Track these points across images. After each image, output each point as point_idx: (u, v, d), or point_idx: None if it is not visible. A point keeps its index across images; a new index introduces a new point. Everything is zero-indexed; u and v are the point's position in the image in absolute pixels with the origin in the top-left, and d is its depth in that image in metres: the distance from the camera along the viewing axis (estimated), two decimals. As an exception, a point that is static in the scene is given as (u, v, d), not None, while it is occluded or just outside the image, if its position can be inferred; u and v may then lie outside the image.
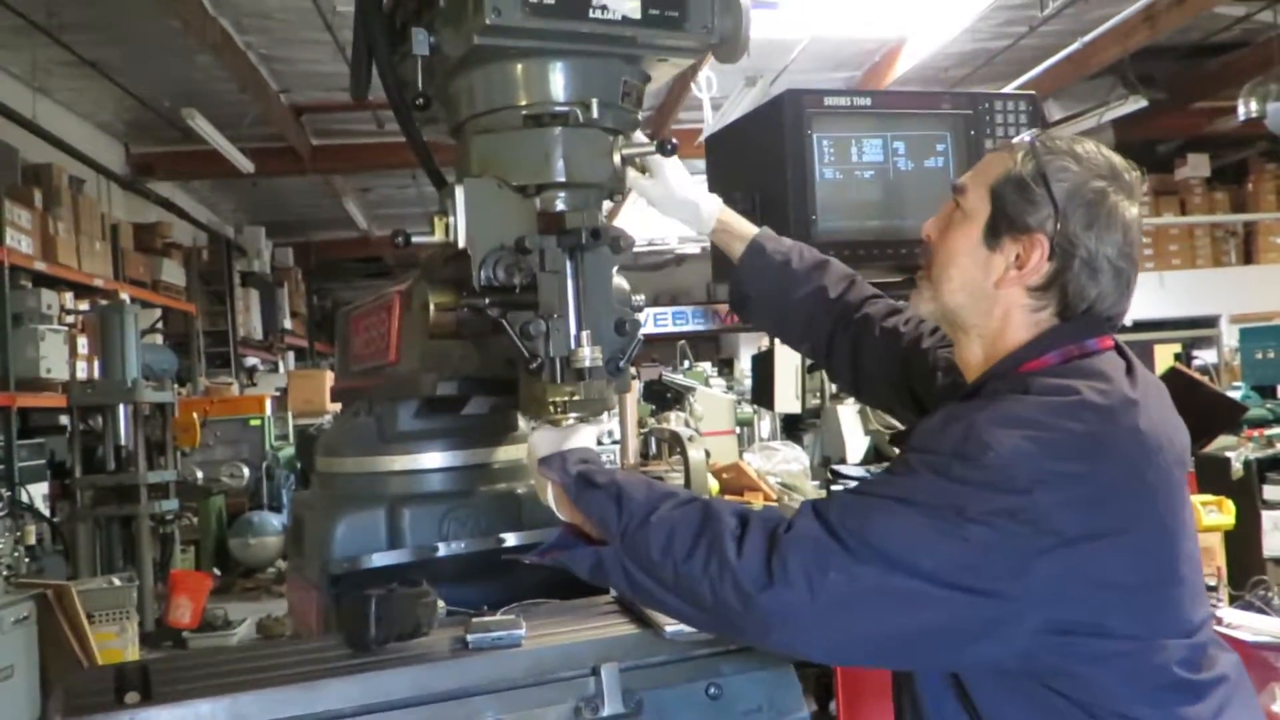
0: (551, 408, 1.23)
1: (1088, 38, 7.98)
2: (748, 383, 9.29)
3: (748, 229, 1.68)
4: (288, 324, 14.87)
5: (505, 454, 1.73)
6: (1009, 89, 9.18)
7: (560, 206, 1.27)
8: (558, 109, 1.25)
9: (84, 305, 8.66)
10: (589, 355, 1.21)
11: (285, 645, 1.46)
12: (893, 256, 1.63)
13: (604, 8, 1.20)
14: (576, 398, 1.23)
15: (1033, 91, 1.76)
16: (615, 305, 1.27)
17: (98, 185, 9.97)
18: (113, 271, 9.30)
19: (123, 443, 7.25)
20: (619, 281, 1.34)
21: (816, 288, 1.68)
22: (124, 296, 9.29)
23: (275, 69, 9.36)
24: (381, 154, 10.85)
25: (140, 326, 8.35)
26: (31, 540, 6.84)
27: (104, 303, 8.63)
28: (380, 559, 1.59)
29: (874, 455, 7.10)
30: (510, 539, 1.67)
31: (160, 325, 11.14)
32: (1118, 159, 1.40)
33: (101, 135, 10.58)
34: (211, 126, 9.14)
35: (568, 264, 1.23)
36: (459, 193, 1.21)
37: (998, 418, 1.25)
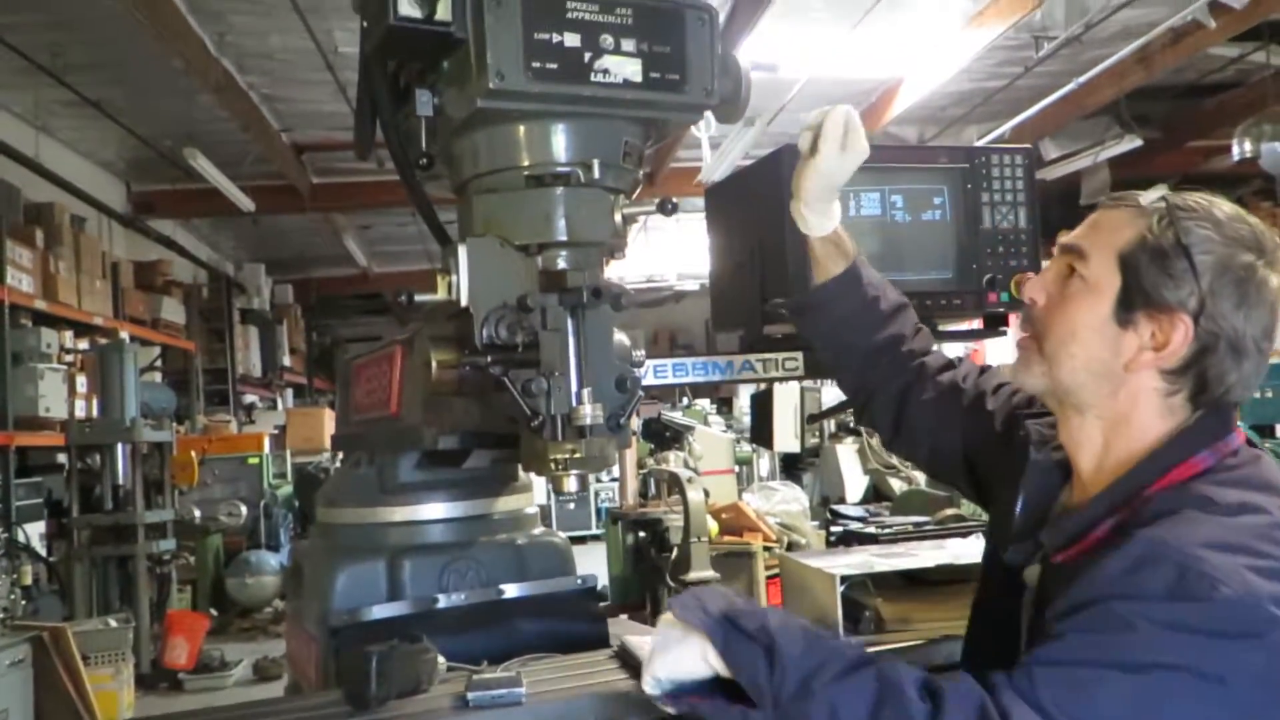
0: (553, 465, 1.24)
1: (1083, 78, 8.05)
2: (746, 420, 9.28)
3: (851, 247, 1.59)
4: (286, 361, 14.87)
5: (505, 504, 1.73)
6: (1006, 128, 9.28)
7: (562, 265, 1.28)
8: (560, 169, 1.27)
9: (84, 344, 8.67)
10: (590, 413, 1.22)
11: (284, 703, 1.46)
12: (891, 309, 1.64)
13: (606, 71, 1.22)
14: (578, 455, 1.23)
15: (1028, 145, 1.78)
16: (616, 362, 1.28)
17: (99, 223, 10.02)
18: (113, 310, 9.32)
19: (121, 482, 7.23)
20: (619, 337, 1.35)
21: (894, 335, 1.60)
22: (124, 335, 9.30)
23: (276, 108, 9.44)
24: (381, 192, 10.91)
25: (139, 364, 8.36)
26: (28, 580, 6.82)
27: (103, 341, 8.65)
28: (380, 611, 1.59)
29: (873, 495, 7.10)
30: (510, 590, 1.67)
31: (159, 363, 11.16)
32: (1257, 223, 1.29)
33: (103, 174, 10.64)
34: (213, 166, 9.19)
35: (569, 322, 1.24)
36: (461, 252, 1.22)
37: (1204, 542, 1.09)
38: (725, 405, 13.53)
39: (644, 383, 1.59)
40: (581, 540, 13.13)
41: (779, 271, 1.61)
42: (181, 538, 8.04)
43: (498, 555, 1.70)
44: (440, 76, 1.28)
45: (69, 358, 8.28)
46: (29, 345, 7.70)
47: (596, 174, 1.27)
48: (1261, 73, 8.93)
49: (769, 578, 5.31)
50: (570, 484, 1.27)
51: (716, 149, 9.44)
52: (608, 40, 1.22)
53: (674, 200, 1.30)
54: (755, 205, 1.68)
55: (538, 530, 1.78)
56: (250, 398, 14.05)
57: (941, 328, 1.80)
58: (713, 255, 1.79)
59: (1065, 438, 1.35)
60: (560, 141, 1.28)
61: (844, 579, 1.56)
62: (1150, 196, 1.31)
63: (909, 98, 9.05)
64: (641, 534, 4.74)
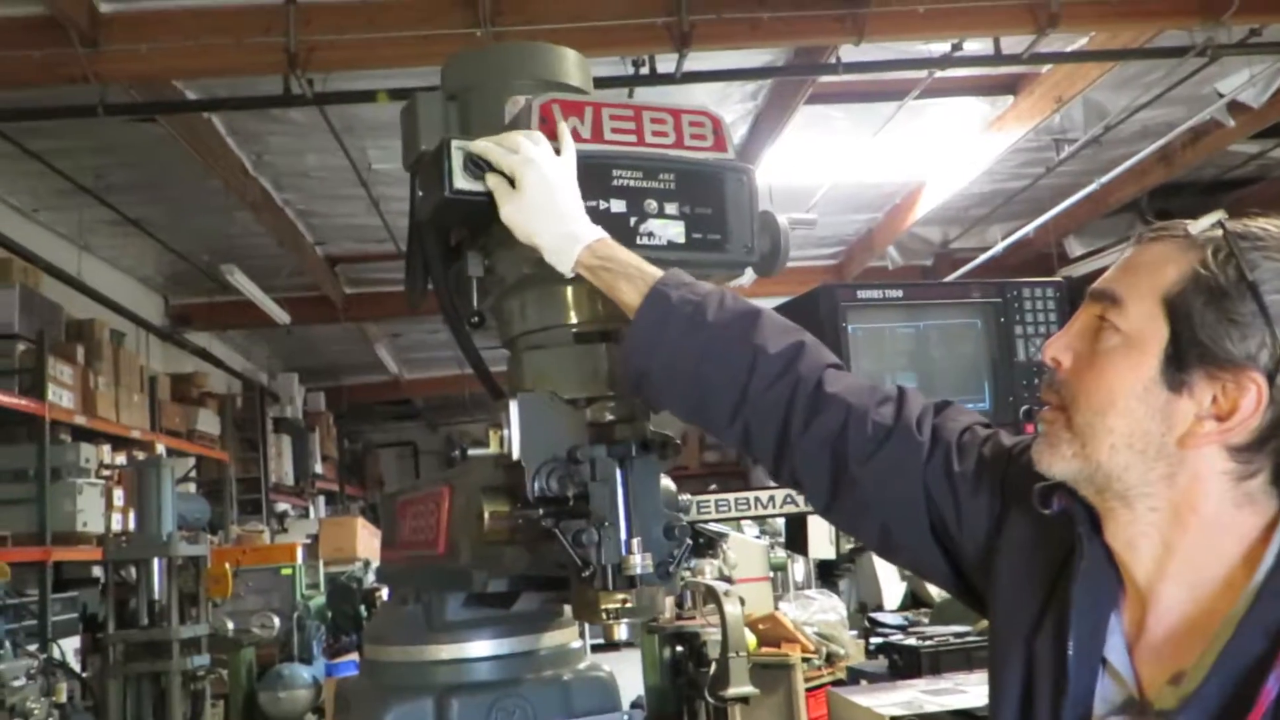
0: (604, 614, 1.26)
1: (1105, 178, 8.13)
2: (780, 523, 9.22)
3: (644, 269, 1.26)
4: (319, 468, 14.95)
5: (551, 640, 1.75)
6: (1029, 228, 9.35)
7: (609, 417, 1.33)
8: (605, 327, 1.33)
9: (121, 457, 8.78)
10: (640, 562, 1.25)
11: None
12: (930, 440, 1.67)
13: (651, 234, 1.28)
14: (629, 604, 1.26)
15: (1059, 278, 1.82)
16: (663, 510, 1.31)
17: (137, 337, 10.22)
18: (150, 423, 9.45)
19: (156, 596, 7.23)
20: (665, 484, 1.39)
21: (746, 348, 1.24)
22: (160, 447, 9.42)
23: (311, 223, 9.68)
24: (413, 301, 11.07)
25: (175, 476, 8.43)
26: (63, 698, 6.80)
27: (140, 455, 8.75)
28: (429, 753, 1.59)
29: (911, 601, 7.00)
30: (559, 728, 1.68)
31: (194, 474, 11.25)
32: None
33: (142, 289, 10.90)
34: (249, 281, 9.41)
35: (618, 473, 1.28)
36: (513, 407, 1.27)
37: None
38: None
39: (691, 517, 1.61)
40: (614, 647, 12.91)
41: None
42: (214, 651, 8.00)
43: (545, 692, 1.70)
44: (491, 240, 1.35)
45: (107, 472, 8.37)
46: (68, 460, 7.82)
47: None
48: (1282, 168, 9.01)
49: (808, 690, 5.23)
50: (621, 632, 1.29)
51: (743, 254, 9.55)
52: (652, 205, 1.28)
53: None
54: (792, 341, 1.73)
55: (583, 665, 1.78)
56: (283, 506, 14.10)
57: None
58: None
59: (1111, 536, 1.06)
60: (606, 301, 1.33)
61: (893, 719, 1.55)
62: (1202, 224, 1.05)
63: (931, 200, 9.16)
64: (679, 648, 4.69)
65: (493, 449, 1.27)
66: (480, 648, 1.71)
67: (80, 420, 8.01)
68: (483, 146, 1.25)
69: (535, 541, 1.31)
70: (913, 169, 8.74)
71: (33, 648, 6.91)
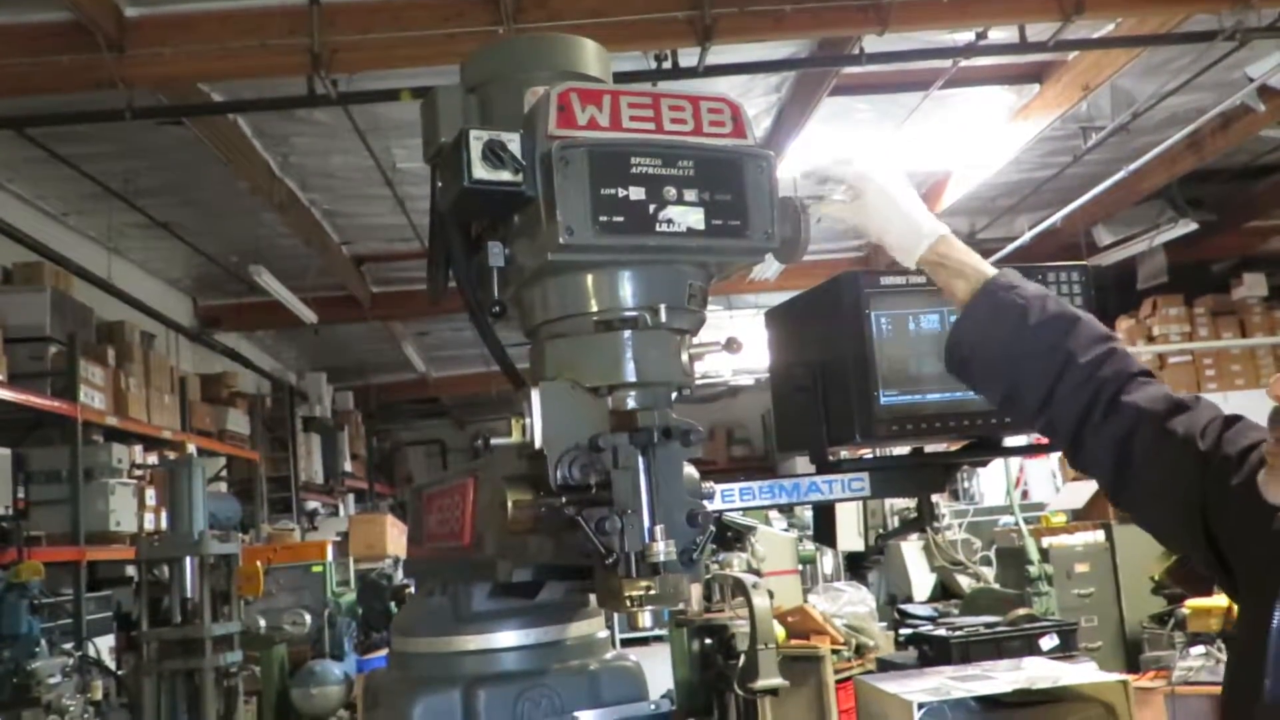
0: (628, 602, 1.26)
1: (1133, 166, 8.04)
2: (808, 516, 9.19)
3: (978, 267, 1.46)
4: (348, 467, 15.05)
5: (578, 630, 1.75)
6: (1057, 217, 9.27)
7: (631, 404, 1.33)
8: (627, 314, 1.33)
9: (153, 457, 8.87)
10: (663, 549, 1.25)
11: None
12: (955, 428, 1.65)
13: (670, 221, 1.27)
14: (653, 591, 1.26)
15: (1084, 262, 1.81)
16: (686, 498, 1.31)
17: (167, 339, 10.32)
18: (180, 423, 9.54)
19: (189, 595, 7.30)
20: (689, 471, 1.39)
21: (1059, 352, 1.37)
22: (190, 447, 9.51)
23: (337, 223, 9.74)
24: (438, 299, 11.12)
25: (206, 476, 8.50)
26: (98, 695, 6.88)
27: (171, 455, 8.84)
28: (457, 743, 1.60)
29: (941, 592, 6.97)
30: (585, 717, 1.68)
31: (224, 473, 11.35)
32: None
33: (171, 291, 11.01)
34: (277, 282, 9.47)
35: (640, 461, 1.28)
36: (535, 396, 1.27)
37: None
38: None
39: (714, 506, 1.61)
40: (644, 642, 12.96)
41: (842, 394, 1.64)
42: (247, 648, 8.07)
43: (572, 682, 1.71)
44: (511, 229, 1.35)
45: (139, 472, 8.46)
46: (100, 461, 7.91)
47: (663, 318, 1.32)
48: (1316, 152, 8.89)
49: (838, 682, 5.21)
50: (645, 619, 1.29)
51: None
52: (671, 192, 1.28)
53: (738, 340, 1.34)
54: (815, 329, 1.72)
55: (610, 654, 1.78)
56: (313, 504, 14.20)
57: (1006, 443, 1.80)
58: (774, 378, 1.82)
59: None
60: (627, 289, 1.34)
61: (921, 705, 1.55)
62: None
63: (958, 190, 9.09)
64: (707, 641, 4.68)
65: (515, 438, 1.28)
66: (507, 638, 1.71)
67: (112, 421, 8.10)
68: (825, 165, 1.52)
69: (559, 530, 1.31)
70: (938, 159, 8.69)
71: (68, 646, 7.00)
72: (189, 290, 11.34)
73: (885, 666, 5.45)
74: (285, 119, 7.33)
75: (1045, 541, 6.59)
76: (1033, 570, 5.82)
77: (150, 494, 8.50)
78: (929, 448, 1.75)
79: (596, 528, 1.24)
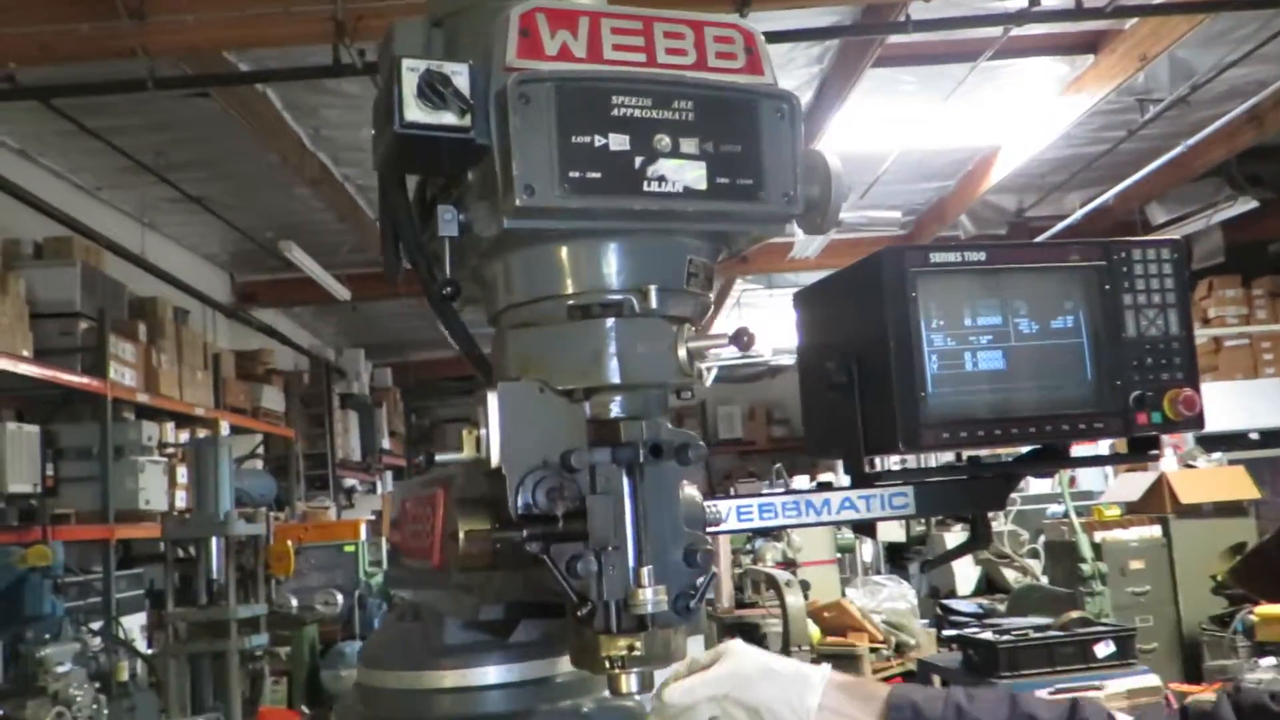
0: (606, 663, 1.01)
1: (1191, 140, 7.68)
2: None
3: (874, 690, 1.23)
4: (386, 444, 14.97)
5: (568, 665, 1.50)
6: (1110, 194, 8.89)
7: (615, 412, 1.06)
8: (609, 298, 1.05)
9: (185, 435, 8.77)
10: (652, 597, 0.98)
11: None
12: (1017, 435, 1.38)
13: (661, 179, 0.99)
14: (637, 651, 1.00)
15: (1177, 237, 1.53)
16: (684, 530, 1.04)
17: (203, 315, 10.23)
18: (213, 400, 9.43)
19: (215, 576, 7.19)
20: (689, 493, 1.11)
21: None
22: (224, 425, 9.40)
23: (371, 198, 9.54)
24: (475, 276, 10.95)
25: (239, 454, 8.38)
26: (124, 676, 6.79)
27: (204, 433, 8.73)
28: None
29: (985, 586, 6.68)
30: (576, 767, 1.43)
31: (261, 450, 11.27)
32: None
33: (208, 266, 10.92)
34: (309, 257, 9.33)
35: (625, 483, 1.01)
36: (491, 401, 1.01)
37: None
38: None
39: (726, 527, 1.35)
40: (681, 626, 12.77)
41: (883, 392, 1.37)
42: (277, 628, 7.97)
43: (561, 725, 1.47)
44: (467, 190, 1.08)
45: (169, 450, 8.36)
46: (130, 439, 7.81)
47: (654, 302, 1.04)
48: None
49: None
50: (629, 683, 1.03)
51: (811, 224, 9.26)
52: (663, 141, 1.00)
53: (750, 333, 1.06)
54: (850, 316, 1.45)
55: (606, 693, 1.54)
56: (350, 481, 14.13)
57: (1076, 452, 1.53)
58: (803, 371, 1.56)
59: None
60: (609, 264, 1.06)
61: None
62: None
63: (1006, 166, 8.79)
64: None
65: (467, 454, 1.02)
66: (487, 674, 1.47)
67: (143, 398, 7.99)
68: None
69: (526, 568, 1.05)
70: (986, 134, 8.37)
71: (96, 625, 6.92)
72: (226, 266, 11.24)
73: (927, 668, 5.19)
74: (315, 91, 7.15)
75: (1098, 536, 6.26)
76: (1086, 569, 5.51)
77: (181, 472, 8.40)
78: (983, 456, 1.48)
79: (567, 569, 0.98)
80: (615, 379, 1.06)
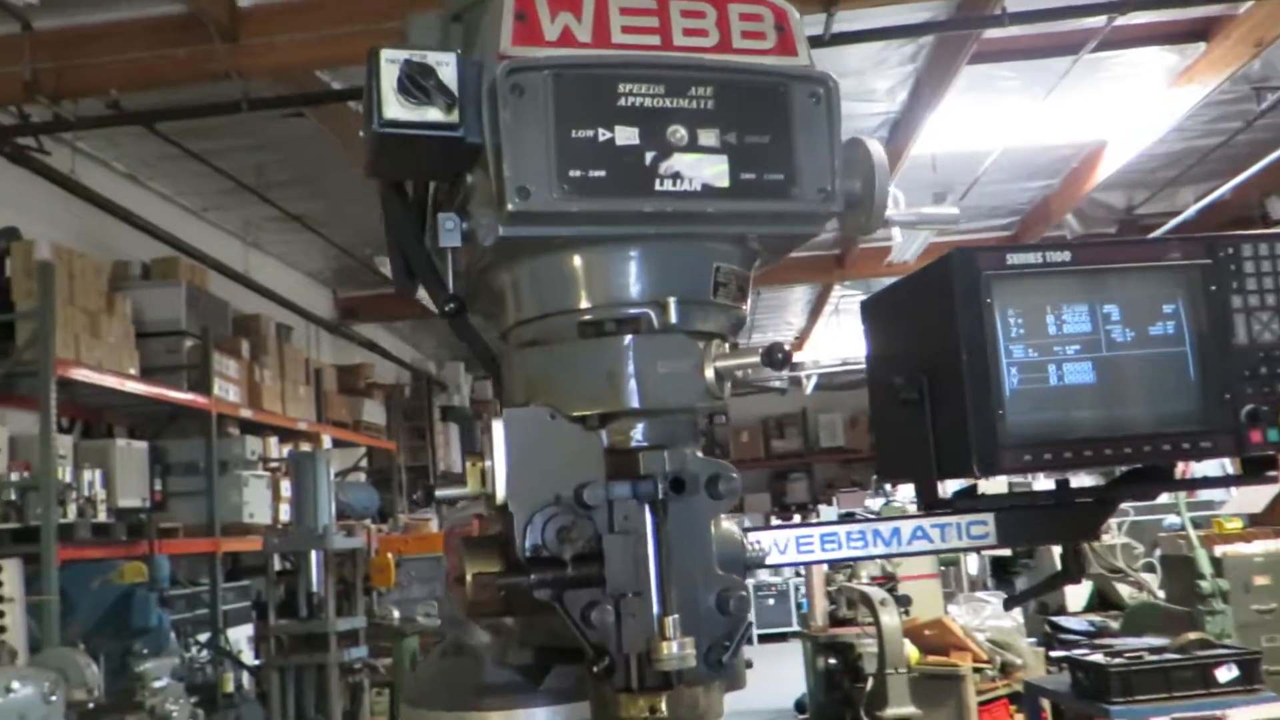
0: (628, 727, 0.89)
1: (1315, 129, 7.26)
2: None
3: None
4: (486, 456, 15.09)
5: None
6: (1226, 188, 8.44)
7: (635, 441, 0.94)
8: (624, 312, 0.93)
9: (288, 449, 8.93)
10: (678, 651, 0.86)
11: None
12: (1111, 456, 1.22)
13: (676, 176, 0.88)
14: (661, 713, 0.88)
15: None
16: (716, 573, 0.92)
17: (307, 331, 10.43)
18: (315, 414, 9.59)
19: (315, 589, 7.27)
20: (727, 528, 0.98)
21: None
22: (326, 438, 9.55)
23: (466, 211, 9.63)
24: (570, 288, 10.96)
25: (343, 467, 8.47)
26: (229, 688, 6.91)
27: (306, 447, 8.87)
28: None
29: (1097, 602, 6.34)
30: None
31: (364, 463, 11.44)
32: None
33: (311, 283, 11.14)
34: (404, 272, 9.41)
35: (647, 521, 0.90)
36: (497, 429, 0.90)
37: None
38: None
39: (778, 560, 1.23)
40: (782, 637, 12.64)
41: (956, 410, 1.23)
42: (379, 640, 8.03)
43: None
44: (469, 195, 0.98)
45: (273, 464, 8.52)
46: (234, 453, 8.00)
47: (675, 316, 0.92)
48: None
49: (981, 704, 4.74)
50: (655, 748, 0.91)
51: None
52: (678, 133, 0.87)
53: (784, 349, 0.93)
54: (919, 326, 1.31)
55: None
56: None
57: (1179, 474, 1.36)
58: (872, 387, 1.42)
59: None
60: (622, 275, 0.94)
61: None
62: None
63: (1114, 162, 8.46)
64: (831, 660, 4.28)
65: (470, 488, 0.92)
66: (535, 716, 1.37)
67: (246, 414, 8.16)
68: None
69: (537, 613, 0.94)
70: (1092, 129, 8.06)
71: (203, 637, 7.07)
72: (328, 282, 11.46)
73: (1034, 691, 4.94)
74: (404, 106, 7.20)
75: (1218, 550, 5.89)
76: (1205, 586, 5.18)
77: (285, 485, 8.56)
78: (1073, 481, 1.33)
79: (582, 618, 0.86)
80: (634, 403, 0.94)
